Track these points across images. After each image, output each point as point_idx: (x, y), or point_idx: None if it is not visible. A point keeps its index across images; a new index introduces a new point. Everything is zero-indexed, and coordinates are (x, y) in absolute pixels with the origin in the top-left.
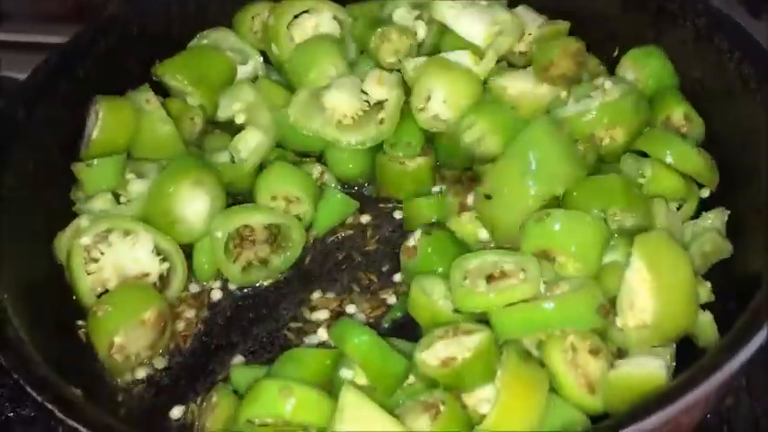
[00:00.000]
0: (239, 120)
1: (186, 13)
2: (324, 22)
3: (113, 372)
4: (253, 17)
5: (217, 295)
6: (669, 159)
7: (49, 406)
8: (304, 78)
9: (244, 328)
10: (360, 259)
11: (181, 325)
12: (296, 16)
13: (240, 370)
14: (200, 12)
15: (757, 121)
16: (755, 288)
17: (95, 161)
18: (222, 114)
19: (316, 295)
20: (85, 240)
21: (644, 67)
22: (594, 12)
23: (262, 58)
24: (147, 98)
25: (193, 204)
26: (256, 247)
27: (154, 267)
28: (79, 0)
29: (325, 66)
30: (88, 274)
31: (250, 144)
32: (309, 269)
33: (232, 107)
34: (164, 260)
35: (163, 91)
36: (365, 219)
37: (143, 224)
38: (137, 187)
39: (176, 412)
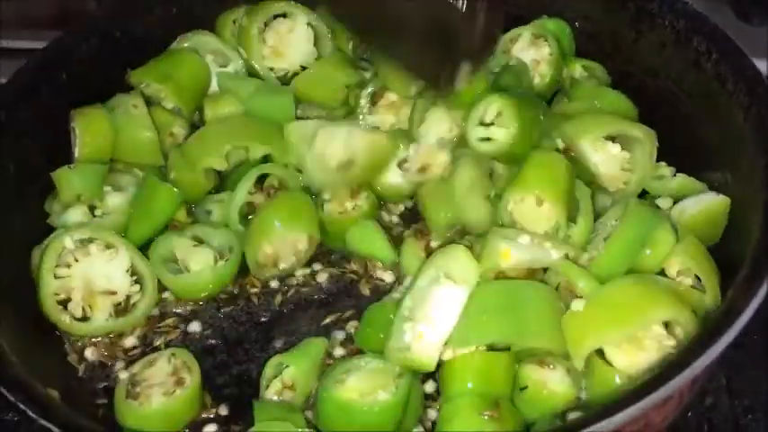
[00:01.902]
0: None
1: (168, 16)
2: (298, 27)
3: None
4: (234, 20)
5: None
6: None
7: (22, 406)
8: None
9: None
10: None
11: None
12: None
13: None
14: (183, 15)
15: (734, 121)
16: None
17: (75, 165)
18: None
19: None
20: (68, 243)
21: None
22: (575, 13)
23: (242, 61)
24: (134, 103)
25: None
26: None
27: (124, 288)
28: (67, 6)
29: None
30: (56, 278)
31: None
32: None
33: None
34: (135, 282)
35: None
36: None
37: (125, 241)
38: (113, 200)
39: None
